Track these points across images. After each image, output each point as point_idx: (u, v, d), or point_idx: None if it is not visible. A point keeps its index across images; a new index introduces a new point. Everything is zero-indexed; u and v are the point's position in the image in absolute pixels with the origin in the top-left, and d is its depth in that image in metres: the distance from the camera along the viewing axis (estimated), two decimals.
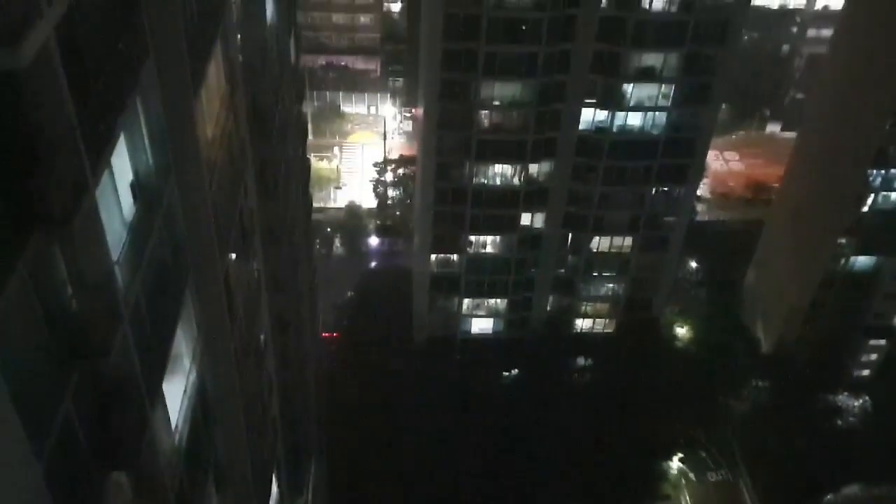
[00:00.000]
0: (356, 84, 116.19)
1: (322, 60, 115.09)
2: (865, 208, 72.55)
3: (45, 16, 11.58)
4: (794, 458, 71.29)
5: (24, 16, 11.06)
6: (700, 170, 75.36)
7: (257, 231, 31.89)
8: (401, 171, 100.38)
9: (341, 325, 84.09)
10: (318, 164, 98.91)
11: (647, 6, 60.89)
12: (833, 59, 77.78)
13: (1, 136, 11.58)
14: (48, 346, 12.73)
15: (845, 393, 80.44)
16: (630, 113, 66.75)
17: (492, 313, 78.97)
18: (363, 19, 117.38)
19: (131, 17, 16.06)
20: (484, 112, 65.53)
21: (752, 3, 68.05)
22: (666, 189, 72.06)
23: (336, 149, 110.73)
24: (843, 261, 75.98)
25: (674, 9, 61.44)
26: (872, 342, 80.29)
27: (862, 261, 75.80)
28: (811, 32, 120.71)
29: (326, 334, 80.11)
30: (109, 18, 15.06)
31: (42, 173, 11.56)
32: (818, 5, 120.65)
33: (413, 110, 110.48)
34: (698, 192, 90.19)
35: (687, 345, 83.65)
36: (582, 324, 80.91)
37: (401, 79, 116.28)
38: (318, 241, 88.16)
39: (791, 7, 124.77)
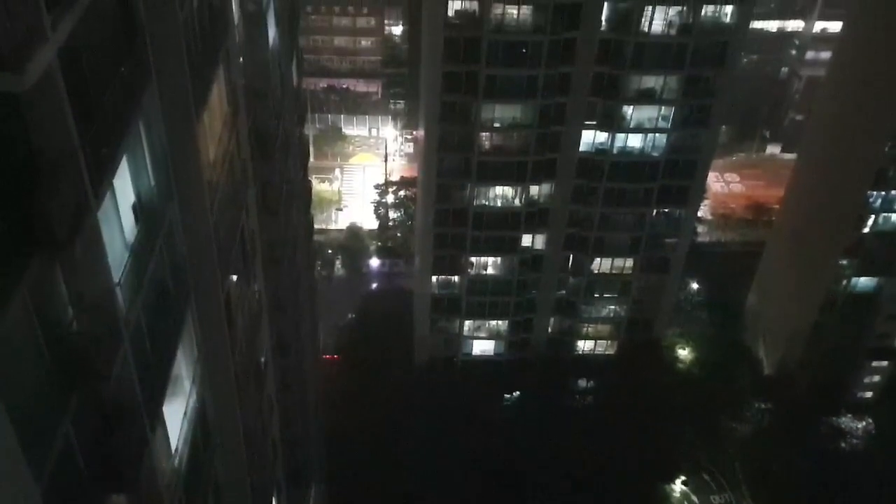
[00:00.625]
0: (357, 106, 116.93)
1: (324, 83, 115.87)
2: (866, 229, 72.59)
3: (48, 40, 11.70)
4: (797, 480, 70.82)
5: (27, 39, 11.17)
6: (700, 191, 75.48)
7: (258, 252, 31.93)
8: (402, 192, 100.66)
9: (342, 346, 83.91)
10: (319, 186, 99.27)
11: (647, 29, 61.28)
12: (831, 81, 78.20)
13: (3, 157, 11.66)
14: (48, 367, 12.73)
15: (848, 415, 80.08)
16: (630, 135, 66.97)
17: (493, 335, 78.80)
18: (364, 43, 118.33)
19: (134, 41, 16.21)
20: (484, 134, 65.75)
21: (750, 26, 68.48)
22: (666, 210, 72.13)
23: (337, 171, 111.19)
24: (844, 282, 75.90)
25: (673, 31, 61.82)
26: (875, 363, 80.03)
27: (863, 282, 75.73)
28: (810, 55, 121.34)
29: (327, 356, 79.92)
30: (112, 42, 15.21)
31: (44, 195, 11.63)
32: (816, 28, 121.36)
33: (414, 132, 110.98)
34: (699, 214, 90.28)
35: (689, 366, 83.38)
36: (583, 345, 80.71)
37: (402, 101, 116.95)
38: (319, 262, 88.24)
39: (789, 30, 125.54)
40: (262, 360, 32.79)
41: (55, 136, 12.34)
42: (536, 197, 69.84)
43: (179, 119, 18.95)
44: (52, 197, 11.67)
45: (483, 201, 69.41)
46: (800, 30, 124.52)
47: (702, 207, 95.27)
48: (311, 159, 68.42)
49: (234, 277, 25.88)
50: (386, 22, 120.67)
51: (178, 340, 19.36)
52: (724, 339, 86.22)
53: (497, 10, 59.86)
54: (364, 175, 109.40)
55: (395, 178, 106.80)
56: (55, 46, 11.98)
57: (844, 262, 74.73)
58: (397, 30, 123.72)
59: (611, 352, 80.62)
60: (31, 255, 11.83)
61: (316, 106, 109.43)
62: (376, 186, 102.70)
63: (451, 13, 60.61)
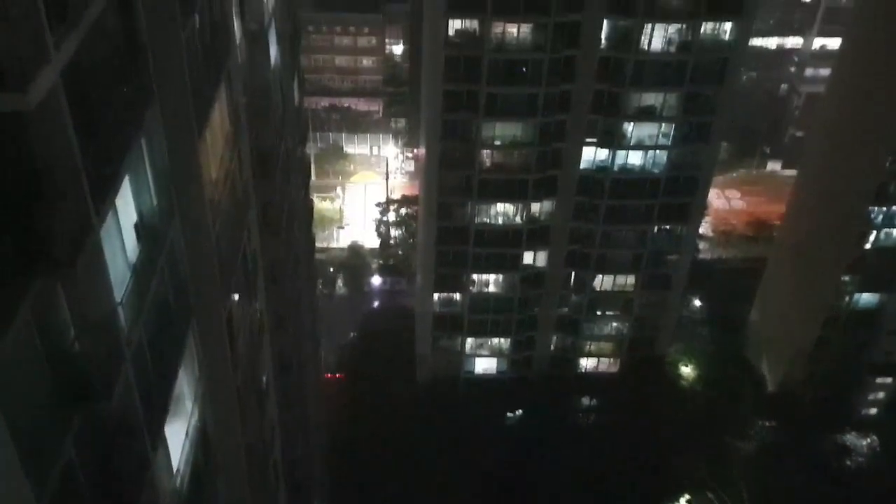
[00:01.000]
0: (359, 125, 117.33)
1: (325, 102, 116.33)
2: (868, 245, 72.52)
3: (52, 60, 11.75)
4: (802, 498, 70.33)
5: (31, 60, 11.23)
6: (702, 208, 75.49)
7: (260, 271, 31.92)
8: (403, 210, 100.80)
9: (344, 365, 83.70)
10: (321, 204, 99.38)
11: (646, 47, 61.50)
12: (831, 97, 78.40)
13: (7, 177, 11.69)
14: (50, 387, 12.70)
15: (853, 432, 79.63)
16: (631, 152, 67.06)
17: (495, 353, 78.58)
18: (365, 62, 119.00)
19: (136, 60, 16.28)
20: (485, 151, 65.89)
21: (749, 44, 68.77)
22: (668, 227, 72.11)
23: (339, 189, 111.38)
24: (846, 298, 75.74)
25: (672, 49, 62.04)
26: (879, 380, 79.71)
27: (866, 298, 75.55)
28: (809, 72, 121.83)
29: (329, 375, 79.71)
30: (115, 61, 15.27)
31: (47, 215, 11.64)
32: (815, 45, 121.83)
33: (415, 150, 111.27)
34: (700, 231, 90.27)
35: (692, 384, 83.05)
36: (586, 363, 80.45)
37: (403, 119, 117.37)
38: (321, 280, 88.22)
39: (788, 47, 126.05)
40: (264, 378, 32.71)
41: (58, 155, 12.37)
42: (538, 214, 69.85)
43: (181, 138, 19.03)
44: (54, 217, 11.69)
45: (484, 219, 69.45)
46: (798, 47, 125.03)
47: (703, 224, 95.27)
48: (313, 178, 68.61)
49: (236, 296, 25.87)
50: (387, 41, 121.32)
51: (180, 359, 19.31)
52: (727, 355, 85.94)
53: (497, 29, 60.15)
54: (365, 193, 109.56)
55: (396, 195, 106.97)
56: (59, 66, 12.03)
57: (846, 278, 74.60)
58: (398, 48, 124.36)
59: (614, 369, 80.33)
60: (34, 275, 11.82)
61: (317, 125, 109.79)
62: (378, 204, 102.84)
63: (451, 32, 60.87)
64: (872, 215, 71.10)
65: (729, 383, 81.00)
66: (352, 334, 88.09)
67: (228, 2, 24.92)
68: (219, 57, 22.76)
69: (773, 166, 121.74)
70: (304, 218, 50.29)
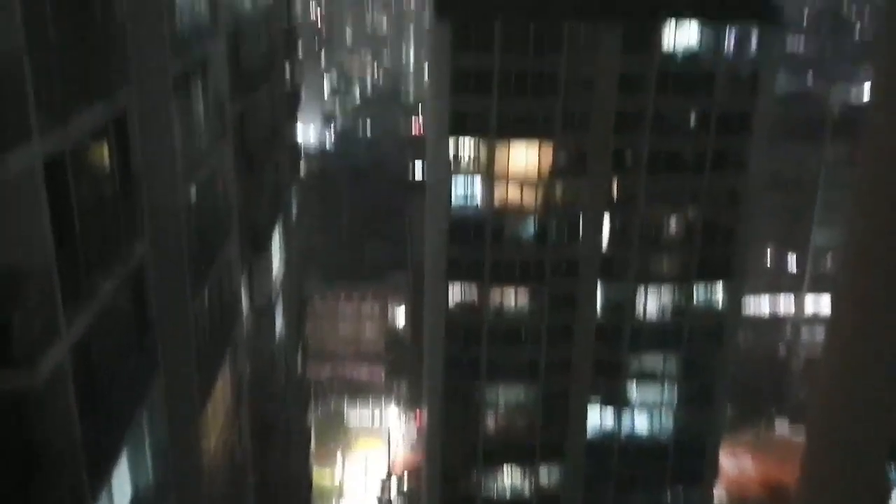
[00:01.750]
0: (360, 391, 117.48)
1: (328, 369, 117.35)
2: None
3: (62, 337, 12.04)
4: None
5: (42, 336, 11.49)
6: (714, 472, 73.21)
7: None
8: (405, 480, 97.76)
9: None
10: (320, 476, 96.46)
11: (642, 312, 63.06)
12: (829, 360, 78.81)
13: (4, 452, 11.51)
14: None
15: None
16: (636, 415, 66.38)
17: None
18: (368, 332, 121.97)
19: (144, 336, 16.69)
20: (489, 416, 65.29)
21: (744, 307, 70.58)
22: (682, 493, 69.56)
23: (339, 457, 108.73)
24: None
25: (667, 316, 63.57)
26: None
27: None
28: (805, 334, 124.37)
29: None
30: (123, 337, 15.65)
31: (39, 494, 11.33)
32: (808, 311, 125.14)
33: (417, 413, 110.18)
34: (715, 495, 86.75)
35: None
36: None
37: (404, 384, 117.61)
38: None
39: (782, 309, 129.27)
40: None
41: (59, 431, 12.27)
42: (546, 483, 67.60)
43: (184, 410, 19.02)
44: (48, 494, 11.37)
45: (491, 488, 67.09)
46: (790, 314, 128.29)
47: (717, 488, 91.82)
48: (313, 446, 67.18)
49: None
50: (389, 307, 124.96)
51: None
52: None
53: (496, 297, 62.18)
54: (367, 463, 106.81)
55: (398, 463, 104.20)
56: (68, 343, 12.30)
57: None
58: (400, 313, 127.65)
59: None
60: None
61: (319, 391, 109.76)
62: (380, 478, 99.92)
63: (451, 304, 62.80)
64: (890, 474, 68.76)
65: None
66: None
67: (238, 278, 26.03)
68: (226, 331, 23.36)
69: (781, 425, 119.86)
70: (303, 490, 48.69)
